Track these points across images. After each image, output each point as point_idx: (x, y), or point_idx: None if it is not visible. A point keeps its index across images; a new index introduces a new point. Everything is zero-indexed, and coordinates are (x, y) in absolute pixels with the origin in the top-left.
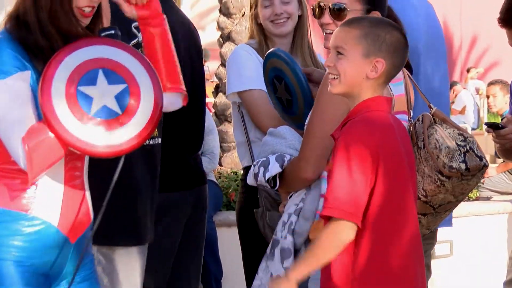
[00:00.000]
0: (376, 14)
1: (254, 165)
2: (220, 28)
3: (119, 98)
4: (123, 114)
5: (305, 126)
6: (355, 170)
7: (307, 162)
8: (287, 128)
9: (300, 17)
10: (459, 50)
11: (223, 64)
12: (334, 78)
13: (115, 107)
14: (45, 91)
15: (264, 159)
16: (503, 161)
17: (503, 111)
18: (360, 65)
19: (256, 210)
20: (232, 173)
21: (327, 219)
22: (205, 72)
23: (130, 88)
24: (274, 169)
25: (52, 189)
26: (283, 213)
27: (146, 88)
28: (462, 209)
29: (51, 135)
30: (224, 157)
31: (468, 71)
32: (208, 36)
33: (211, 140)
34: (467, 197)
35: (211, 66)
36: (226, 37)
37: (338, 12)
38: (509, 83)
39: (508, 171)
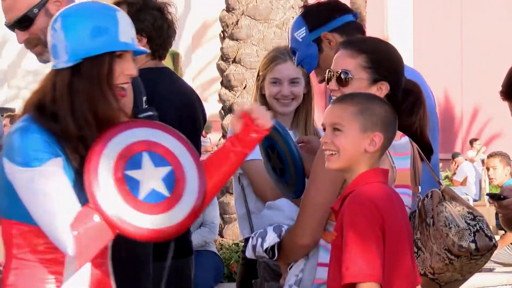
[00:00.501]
0: (384, 85)
1: (252, 237)
2: (221, 100)
3: (166, 180)
4: (171, 196)
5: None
6: (367, 240)
7: (303, 229)
8: (285, 201)
9: (305, 94)
10: (461, 121)
11: (224, 136)
12: (332, 154)
13: (163, 190)
14: (92, 176)
15: (262, 230)
16: (504, 232)
17: (503, 183)
18: (358, 140)
19: (254, 281)
20: (233, 245)
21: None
22: (207, 144)
23: (175, 170)
24: (272, 239)
25: (78, 279)
26: (283, 286)
27: (190, 170)
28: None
29: (99, 219)
30: (226, 228)
31: (471, 144)
32: (210, 108)
33: (211, 211)
34: None
35: (213, 138)
36: (227, 109)
37: (343, 80)
38: (509, 155)
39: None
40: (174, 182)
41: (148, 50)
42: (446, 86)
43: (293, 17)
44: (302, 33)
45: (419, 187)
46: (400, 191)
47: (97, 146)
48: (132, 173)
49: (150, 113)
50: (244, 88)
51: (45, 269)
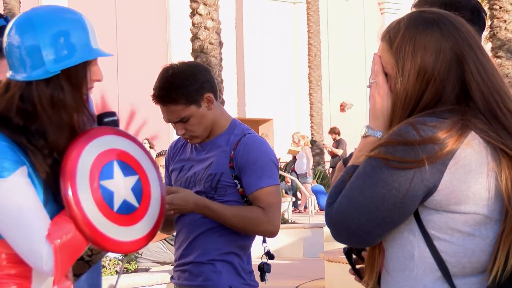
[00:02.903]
0: None
1: None
2: None
3: (134, 190)
4: (140, 207)
5: None
6: None
7: None
8: None
9: None
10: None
11: None
12: None
13: (133, 201)
14: (72, 187)
15: None
16: None
17: None
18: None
19: None
20: None
21: None
22: None
23: (142, 180)
24: None
25: None
26: None
27: (153, 177)
28: (121, 282)
29: (75, 231)
30: None
31: None
32: None
33: None
34: (125, 269)
35: None
36: None
37: None
38: None
39: (165, 240)
40: (142, 191)
41: (112, 55)
42: (102, 88)
43: None
44: None
45: None
46: None
47: (71, 155)
48: (106, 183)
49: (115, 117)
50: None
51: (12, 285)
